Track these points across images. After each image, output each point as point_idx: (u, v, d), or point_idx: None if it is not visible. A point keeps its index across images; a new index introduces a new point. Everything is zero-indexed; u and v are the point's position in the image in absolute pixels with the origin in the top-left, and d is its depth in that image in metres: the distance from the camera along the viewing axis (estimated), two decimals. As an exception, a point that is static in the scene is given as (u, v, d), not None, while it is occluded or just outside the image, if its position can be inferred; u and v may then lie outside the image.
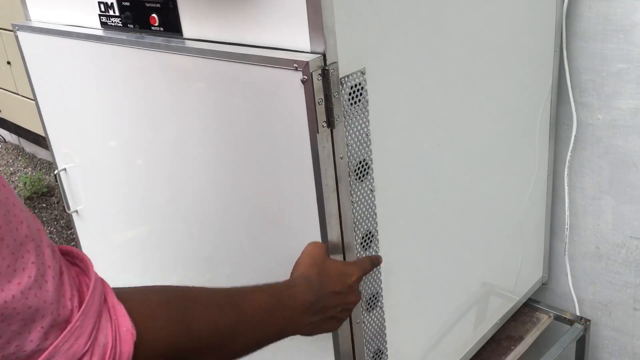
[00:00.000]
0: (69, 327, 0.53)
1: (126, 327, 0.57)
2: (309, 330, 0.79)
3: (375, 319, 0.99)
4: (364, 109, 0.85)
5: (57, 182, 1.33)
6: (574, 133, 1.34)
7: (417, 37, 0.92)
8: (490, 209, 1.25)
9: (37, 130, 3.02)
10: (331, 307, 0.80)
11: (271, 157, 0.87)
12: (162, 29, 0.97)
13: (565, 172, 1.38)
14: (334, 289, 0.80)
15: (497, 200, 1.26)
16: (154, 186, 1.14)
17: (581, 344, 1.41)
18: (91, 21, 1.10)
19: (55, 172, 1.33)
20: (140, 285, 0.65)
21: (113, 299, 0.58)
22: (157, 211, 1.18)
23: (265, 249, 0.98)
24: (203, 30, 0.91)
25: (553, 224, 1.46)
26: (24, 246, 0.51)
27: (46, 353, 0.51)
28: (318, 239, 0.87)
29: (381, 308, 0.99)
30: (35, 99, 1.31)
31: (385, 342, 1.03)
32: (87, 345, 0.53)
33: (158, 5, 0.95)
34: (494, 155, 1.20)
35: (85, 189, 1.34)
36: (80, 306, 0.54)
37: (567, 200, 1.40)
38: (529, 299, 1.47)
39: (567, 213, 1.41)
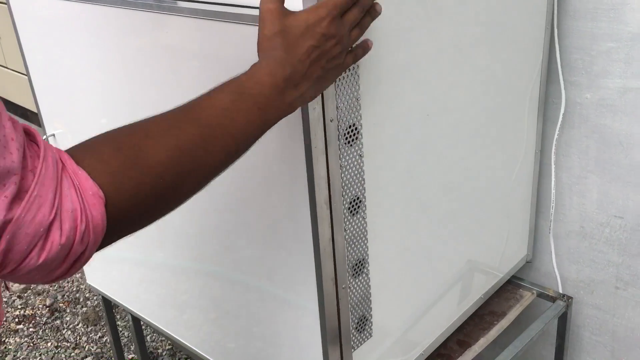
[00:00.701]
0: (26, 197, 0.52)
1: (92, 191, 0.55)
2: (302, 101, 0.71)
3: (360, 285, 1.00)
4: (354, 74, 0.85)
5: (45, 147, 1.33)
6: (562, 112, 1.35)
7: (409, 8, 0.92)
8: (478, 185, 1.26)
9: (27, 104, 3.00)
10: (312, 68, 0.69)
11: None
12: (153, -10, 0.96)
13: (553, 150, 1.39)
14: (307, 46, 0.68)
15: (484, 177, 1.27)
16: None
17: (563, 321, 1.43)
18: (82, -17, 1.09)
19: (44, 137, 1.32)
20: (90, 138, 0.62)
21: (72, 165, 0.56)
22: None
23: (255, 211, 0.99)
24: (195, -10, 0.91)
25: (539, 203, 1.47)
26: None
27: (12, 222, 0.51)
28: (306, 201, 0.87)
29: (367, 275, 1.00)
30: (26, 69, 1.31)
31: (370, 308, 1.04)
32: (53, 213, 0.53)
33: (151, -35, 0.95)
34: (483, 130, 1.21)
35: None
36: None
37: (553, 179, 1.42)
38: (513, 276, 1.48)
39: (553, 192, 1.42)
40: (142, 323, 1.68)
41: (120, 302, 1.49)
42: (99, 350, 2.03)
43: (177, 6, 0.92)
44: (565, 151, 1.40)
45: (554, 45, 1.31)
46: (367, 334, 1.05)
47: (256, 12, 0.81)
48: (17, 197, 0.51)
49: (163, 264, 1.29)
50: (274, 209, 0.96)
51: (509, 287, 1.48)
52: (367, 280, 1.01)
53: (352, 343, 1.02)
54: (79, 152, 0.59)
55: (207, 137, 0.63)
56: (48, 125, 1.35)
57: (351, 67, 0.84)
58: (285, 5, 0.71)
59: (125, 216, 0.59)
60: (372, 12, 0.76)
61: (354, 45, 0.77)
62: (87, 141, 0.61)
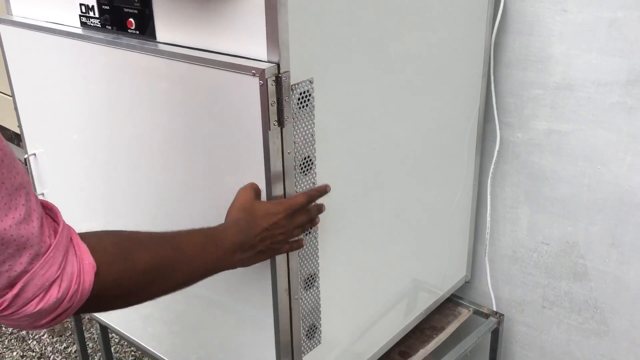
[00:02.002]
0: (45, 256, 0.68)
1: (88, 261, 0.72)
2: (243, 263, 0.94)
3: (311, 297, 1.13)
4: (310, 113, 1.00)
5: (26, 165, 1.43)
6: (497, 149, 1.52)
7: (361, 56, 1.08)
8: (422, 212, 1.41)
9: (12, 127, 3.03)
10: (260, 243, 0.93)
11: (229, 149, 1.01)
12: (137, 32, 1.10)
13: (489, 182, 1.56)
14: (262, 227, 0.92)
15: (428, 205, 1.43)
16: (117, 177, 1.26)
17: (495, 336, 1.58)
18: (71, 20, 1.21)
19: (25, 156, 1.43)
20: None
21: (77, 240, 0.73)
22: (118, 203, 1.29)
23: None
24: (175, 36, 1.05)
25: (477, 229, 1.64)
26: (18, 191, 0.66)
27: (29, 274, 0.67)
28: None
29: (317, 288, 1.14)
30: (12, 92, 1.42)
31: (320, 318, 1.17)
32: (58, 273, 0.69)
33: (135, 11, 1.08)
34: (427, 163, 1.37)
35: (52, 174, 1.44)
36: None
37: (489, 208, 1.58)
38: (453, 295, 1.64)
39: (488, 219, 1.59)
40: (109, 331, 1.77)
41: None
42: (63, 360, 2.11)
43: (157, 48, 1.05)
44: (500, 183, 1.57)
45: (491, 90, 1.48)
46: (317, 341, 1.18)
47: (228, 59, 0.96)
48: (36, 256, 0.68)
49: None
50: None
51: (449, 304, 1.63)
52: (318, 293, 1.15)
53: (302, 348, 1.15)
54: (86, 234, 0.76)
55: (178, 260, 0.85)
56: (29, 145, 1.46)
57: (308, 107, 0.98)
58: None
59: (106, 292, 0.75)
60: (314, 221, 1.03)
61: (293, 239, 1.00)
62: (93, 231, 0.79)
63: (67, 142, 1.36)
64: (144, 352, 1.43)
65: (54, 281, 0.68)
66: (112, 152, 1.25)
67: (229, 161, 1.03)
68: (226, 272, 1.14)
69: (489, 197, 1.58)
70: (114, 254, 0.77)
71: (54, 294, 0.68)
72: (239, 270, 1.11)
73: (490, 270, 1.65)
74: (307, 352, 1.17)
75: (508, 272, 1.64)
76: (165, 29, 1.06)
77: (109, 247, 0.77)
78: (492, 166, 1.55)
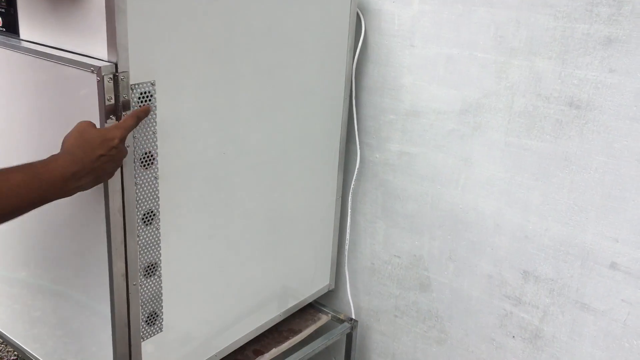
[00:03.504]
0: None
1: None
2: (82, 189, 0.97)
3: (152, 285, 1.22)
4: (152, 112, 1.11)
5: None
6: (357, 166, 1.67)
7: (207, 65, 1.20)
8: (283, 219, 1.52)
9: None
10: (99, 168, 0.97)
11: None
12: (3, 29, 1.19)
13: (349, 198, 1.70)
14: (98, 154, 0.96)
15: (290, 213, 1.54)
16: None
17: (349, 340, 1.70)
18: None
19: None
20: None
21: None
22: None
23: (50, 214, 1.20)
24: (36, 34, 1.15)
25: (340, 241, 1.77)
26: None
27: None
28: (102, 210, 1.10)
29: (159, 277, 1.23)
30: None
31: (162, 306, 1.26)
32: None
33: (2, 10, 1.18)
34: (287, 174, 1.49)
35: None
36: None
37: (349, 222, 1.72)
38: (316, 301, 1.75)
39: (348, 231, 1.72)
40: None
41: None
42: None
43: (19, 45, 1.15)
44: (361, 199, 1.71)
45: (352, 113, 1.63)
46: (158, 328, 1.27)
47: (73, 56, 1.06)
48: None
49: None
50: (76, 218, 1.17)
51: (311, 310, 1.74)
52: (159, 282, 1.23)
53: (141, 334, 1.23)
54: None
55: None
56: None
57: (151, 106, 1.09)
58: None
59: None
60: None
61: None
62: None
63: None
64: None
65: None
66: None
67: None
68: (64, 259, 1.23)
69: (349, 211, 1.71)
70: None
71: None
72: (77, 257, 1.20)
73: (352, 280, 1.78)
74: (147, 338, 1.25)
75: (368, 283, 1.76)
76: (28, 28, 1.16)
77: None
78: (353, 182, 1.68)
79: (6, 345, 2.18)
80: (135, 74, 1.06)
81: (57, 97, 1.12)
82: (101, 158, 0.97)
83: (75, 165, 0.95)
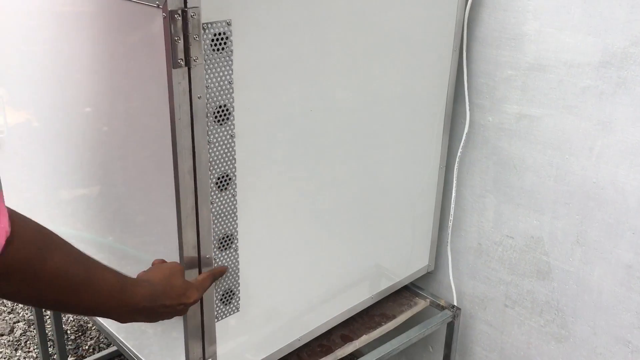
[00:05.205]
0: None
1: (3, 225, 0.66)
2: (129, 321, 0.89)
3: (228, 259, 1.07)
4: (227, 58, 0.94)
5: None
6: (465, 131, 1.43)
7: (293, 4, 1.01)
8: (379, 191, 1.33)
9: None
10: (161, 314, 0.93)
11: (136, 87, 0.96)
12: (69, -34, 1.06)
13: (455, 167, 1.47)
14: (172, 302, 0.93)
15: (387, 184, 1.34)
16: (59, 115, 1.23)
17: (450, 330, 1.49)
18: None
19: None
20: None
21: (2, 203, 0.66)
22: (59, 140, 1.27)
23: (120, 177, 1.07)
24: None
25: (443, 217, 1.55)
26: None
27: None
28: (171, 172, 0.95)
29: (235, 250, 1.08)
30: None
31: (238, 284, 1.11)
32: None
33: (68, -56, 1.05)
34: (385, 138, 1.29)
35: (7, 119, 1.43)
36: None
37: (453, 195, 1.49)
38: (413, 284, 1.55)
39: (452, 206, 1.50)
40: None
41: None
42: None
43: (83, -18, 1.01)
44: (469, 170, 1.48)
45: (462, 68, 1.39)
46: (234, 308, 1.12)
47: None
48: None
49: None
50: (140, 179, 1.04)
51: (407, 293, 1.55)
52: (236, 256, 1.08)
53: (215, 314, 1.09)
54: (15, 212, 0.69)
55: (85, 284, 0.79)
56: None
57: (225, 50, 0.92)
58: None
59: (8, 269, 0.68)
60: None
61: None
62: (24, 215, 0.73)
63: (24, 90, 1.33)
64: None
65: None
66: (57, 97, 1.22)
67: (137, 101, 0.98)
68: (140, 225, 1.10)
69: (454, 182, 1.49)
70: (32, 237, 0.71)
71: None
72: (151, 224, 1.06)
73: (454, 262, 1.56)
74: (222, 318, 1.11)
75: (473, 266, 1.54)
76: (93, -37, 1.02)
77: (29, 228, 0.71)
78: (460, 150, 1.45)
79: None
80: (208, 11, 0.89)
81: (122, 37, 0.98)
82: (168, 308, 0.94)
83: (148, 302, 0.90)
